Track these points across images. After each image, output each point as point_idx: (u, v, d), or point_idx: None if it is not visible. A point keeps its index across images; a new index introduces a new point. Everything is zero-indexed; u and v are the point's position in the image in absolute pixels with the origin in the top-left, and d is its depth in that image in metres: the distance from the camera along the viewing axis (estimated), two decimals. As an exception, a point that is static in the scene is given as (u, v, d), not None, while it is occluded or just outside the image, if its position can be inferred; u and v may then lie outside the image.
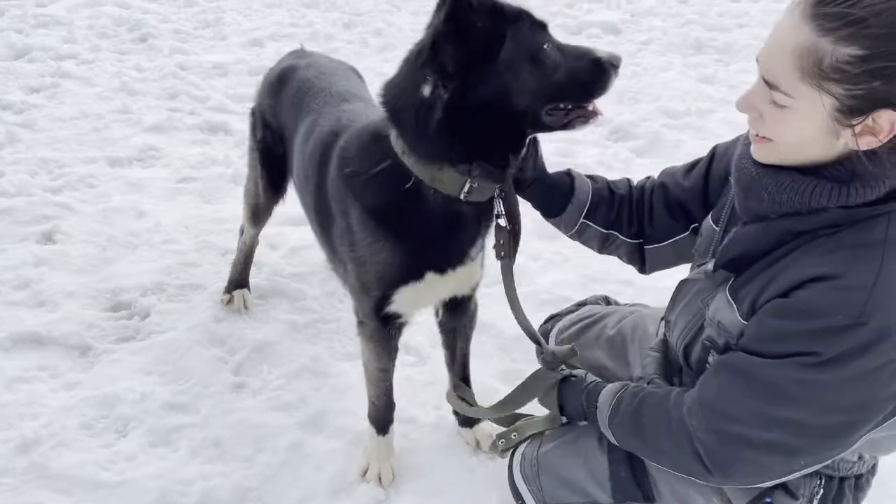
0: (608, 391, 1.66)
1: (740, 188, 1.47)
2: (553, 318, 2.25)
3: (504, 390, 2.47)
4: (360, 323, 1.99)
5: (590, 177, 1.95)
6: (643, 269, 1.95)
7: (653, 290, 2.96)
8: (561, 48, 1.59)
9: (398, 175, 1.66)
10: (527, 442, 1.87)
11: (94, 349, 2.58)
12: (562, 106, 1.59)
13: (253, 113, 2.56)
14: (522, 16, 1.55)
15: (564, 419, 1.81)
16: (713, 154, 1.79)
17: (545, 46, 1.55)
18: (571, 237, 1.97)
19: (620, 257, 1.96)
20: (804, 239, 1.35)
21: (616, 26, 5.95)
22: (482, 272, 2.02)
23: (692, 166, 1.84)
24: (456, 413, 2.29)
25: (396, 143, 1.66)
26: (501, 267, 1.81)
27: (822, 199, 1.31)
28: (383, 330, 1.93)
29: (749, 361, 1.37)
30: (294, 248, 3.19)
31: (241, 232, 2.79)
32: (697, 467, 1.44)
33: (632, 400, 1.58)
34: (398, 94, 1.62)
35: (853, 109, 1.22)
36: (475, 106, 1.51)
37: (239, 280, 2.81)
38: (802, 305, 1.28)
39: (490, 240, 1.84)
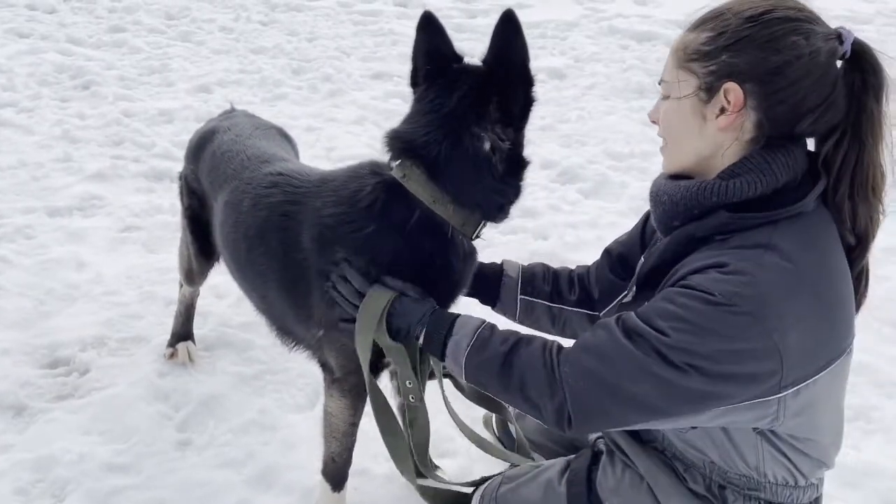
0: (468, 325, 1.62)
1: (651, 200, 1.59)
2: None
3: (459, 438, 2.44)
4: (338, 380, 1.92)
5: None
6: None
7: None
8: None
9: (427, 224, 1.69)
10: (486, 484, 1.88)
11: (30, 408, 2.46)
12: None
13: (180, 178, 2.52)
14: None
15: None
16: (649, 215, 1.86)
17: None
18: (522, 322, 2.01)
19: (577, 334, 1.96)
20: (705, 246, 1.45)
21: (561, 71, 6.10)
22: None
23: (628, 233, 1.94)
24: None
25: (424, 192, 1.66)
26: None
27: (706, 195, 1.43)
28: (372, 381, 1.87)
29: (631, 318, 1.42)
30: (241, 297, 3.08)
31: (181, 285, 2.72)
32: (554, 416, 1.46)
33: (502, 342, 1.57)
34: (436, 146, 1.64)
35: (710, 87, 1.41)
36: (518, 156, 1.70)
37: (182, 332, 2.73)
38: (689, 282, 1.38)
39: None
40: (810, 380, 1.36)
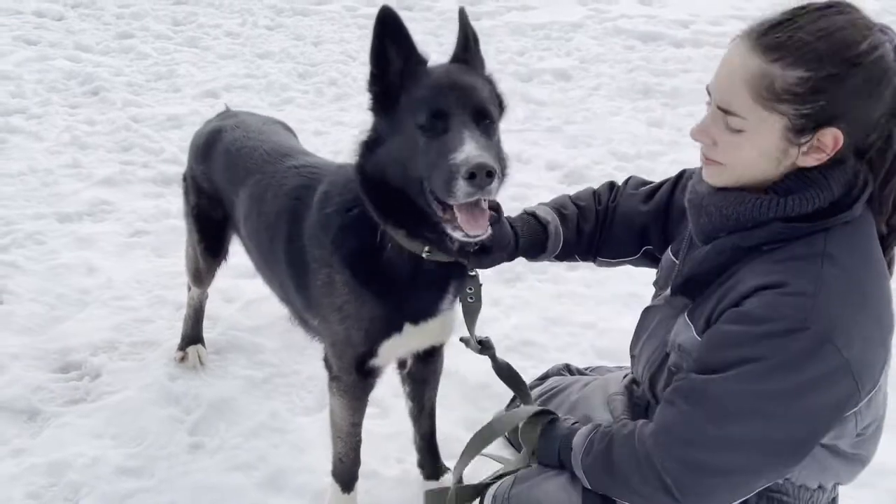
0: (581, 434, 1.67)
1: (693, 209, 1.56)
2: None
3: (468, 438, 2.44)
4: (335, 378, 1.94)
5: (560, 210, 1.97)
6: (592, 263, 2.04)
7: (614, 332, 2.98)
8: (441, 135, 1.49)
9: (370, 225, 1.69)
10: (497, 483, 1.87)
11: (43, 413, 2.48)
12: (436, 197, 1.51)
13: (185, 178, 2.54)
14: (426, 83, 1.55)
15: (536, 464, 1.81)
16: (680, 177, 1.86)
17: (421, 124, 1.51)
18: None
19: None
20: (751, 256, 1.43)
21: (566, 72, 6.09)
22: (454, 323, 1.96)
23: (655, 190, 1.91)
24: (421, 466, 2.26)
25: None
26: (468, 309, 1.83)
27: (763, 211, 1.40)
28: (361, 383, 1.91)
29: (701, 382, 1.41)
30: (250, 301, 3.14)
31: (189, 288, 2.74)
32: (666, 499, 1.46)
33: (602, 439, 1.60)
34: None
35: (802, 128, 1.33)
36: (370, 171, 1.61)
37: (192, 336, 2.75)
38: (752, 311, 1.35)
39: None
40: (877, 386, 1.37)
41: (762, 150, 1.39)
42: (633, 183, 1.98)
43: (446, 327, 1.92)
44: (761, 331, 1.32)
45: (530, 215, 1.96)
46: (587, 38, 7.03)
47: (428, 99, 1.52)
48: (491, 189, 1.42)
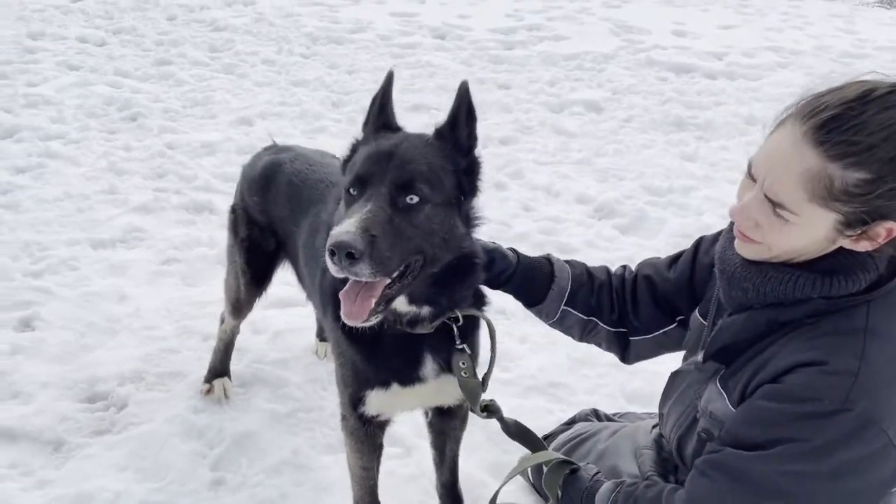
0: (602, 494, 1.64)
1: (725, 279, 1.51)
2: (547, 439, 2.23)
3: (492, 483, 2.40)
4: (343, 417, 1.95)
5: (567, 262, 1.98)
6: (625, 357, 1.97)
7: (643, 373, 2.92)
8: (355, 202, 1.49)
9: None
10: None
11: (68, 443, 2.49)
12: None
13: (234, 210, 2.55)
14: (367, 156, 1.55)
15: None
16: (698, 244, 1.83)
17: (346, 188, 1.54)
18: (552, 326, 2.00)
19: (600, 345, 1.99)
20: (788, 327, 1.39)
21: (598, 104, 6.08)
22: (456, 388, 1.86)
23: (675, 259, 1.88)
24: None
25: None
26: (463, 385, 1.75)
27: (805, 290, 1.35)
28: (361, 428, 1.89)
29: (737, 458, 1.36)
30: (278, 333, 3.14)
31: (222, 320, 2.75)
32: None
33: (626, 501, 1.55)
34: None
35: (856, 222, 1.29)
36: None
37: (219, 369, 2.75)
38: (791, 389, 1.30)
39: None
40: None
41: (810, 239, 1.35)
42: (647, 260, 1.98)
43: (444, 393, 1.86)
44: (802, 411, 1.28)
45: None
46: (620, 69, 7.02)
47: (357, 163, 1.56)
48: (356, 272, 1.36)
